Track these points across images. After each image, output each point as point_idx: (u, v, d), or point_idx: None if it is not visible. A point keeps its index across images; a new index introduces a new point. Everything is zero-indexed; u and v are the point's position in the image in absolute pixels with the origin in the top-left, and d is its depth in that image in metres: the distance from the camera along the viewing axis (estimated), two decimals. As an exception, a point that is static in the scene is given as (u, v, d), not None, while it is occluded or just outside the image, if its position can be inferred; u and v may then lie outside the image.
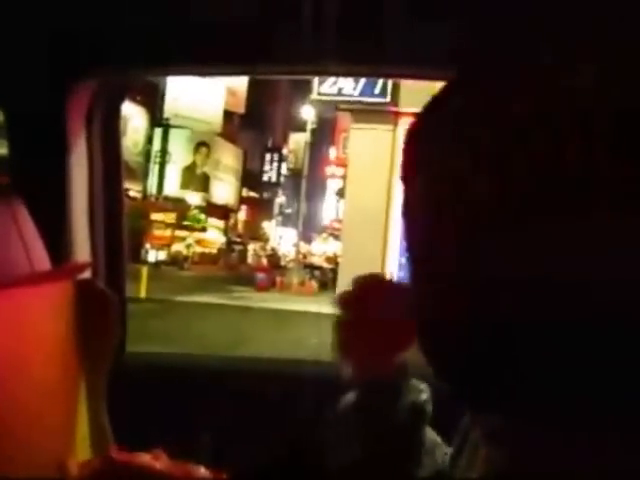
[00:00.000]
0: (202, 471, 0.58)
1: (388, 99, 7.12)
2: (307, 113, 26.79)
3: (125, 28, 1.04)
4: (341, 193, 22.57)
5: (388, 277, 0.66)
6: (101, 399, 0.69)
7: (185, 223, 29.19)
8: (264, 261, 30.01)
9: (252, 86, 27.01)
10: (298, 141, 36.11)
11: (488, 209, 0.35)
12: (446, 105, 0.40)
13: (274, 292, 19.20)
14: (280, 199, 42.29)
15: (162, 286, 14.63)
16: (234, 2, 1.01)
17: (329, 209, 35.58)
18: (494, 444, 0.42)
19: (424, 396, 0.66)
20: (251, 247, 36.55)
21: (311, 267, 25.42)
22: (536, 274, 0.34)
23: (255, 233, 37.79)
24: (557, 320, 0.34)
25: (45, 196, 1.02)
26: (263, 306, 13.55)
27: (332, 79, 7.25)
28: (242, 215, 36.94)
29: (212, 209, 31.06)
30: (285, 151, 38.38)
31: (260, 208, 38.99)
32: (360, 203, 7.10)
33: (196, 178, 29.37)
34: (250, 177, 35.06)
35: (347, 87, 7.28)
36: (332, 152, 26.63)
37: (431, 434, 0.68)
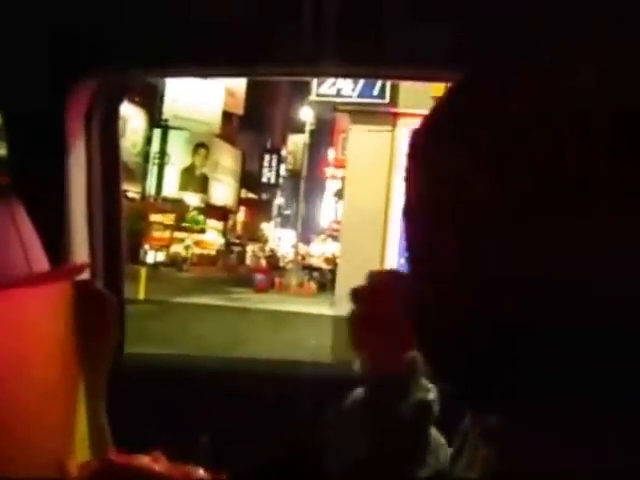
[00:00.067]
0: (201, 473, 0.58)
1: (387, 100, 7.12)
2: (306, 114, 26.82)
3: (125, 28, 1.04)
4: (340, 194, 22.59)
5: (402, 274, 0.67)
6: (100, 400, 0.69)
7: (184, 224, 29.18)
8: (263, 262, 30.01)
9: (251, 87, 27.04)
10: (297, 142, 36.14)
11: (488, 209, 0.35)
12: (448, 106, 0.41)
13: (273, 293, 19.21)
14: (279, 200, 42.30)
15: (161, 287, 14.63)
16: (234, 3, 1.01)
17: (328, 210, 35.59)
18: (493, 444, 0.42)
19: (431, 395, 0.66)
20: (250, 248, 36.55)
21: (310, 268, 25.44)
22: (536, 274, 0.34)
23: (254, 234, 37.78)
24: (557, 320, 0.34)
25: (44, 197, 1.02)
26: (262, 307, 13.55)
27: (331, 80, 7.24)
28: (241, 216, 36.94)
29: (211, 210, 31.06)
30: (284, 152, 38.41)
31: (259, 209, 39.00)
32: (359, 204, 7.10)
33: (195, 179, 29.37)
34: (249, 178, 35.07)
35: (346, 88, 7.28)
36: (331, 153, 26.63)
37: (436, 434, 0.68)
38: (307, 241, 41.22)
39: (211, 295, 15.26)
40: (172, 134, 27.52)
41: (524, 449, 0.38)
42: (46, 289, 0.61)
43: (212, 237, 32.39)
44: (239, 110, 28.58)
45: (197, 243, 30.37)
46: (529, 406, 0.36)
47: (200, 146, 29.13)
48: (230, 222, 34.90)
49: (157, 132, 27.26)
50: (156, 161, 27.38)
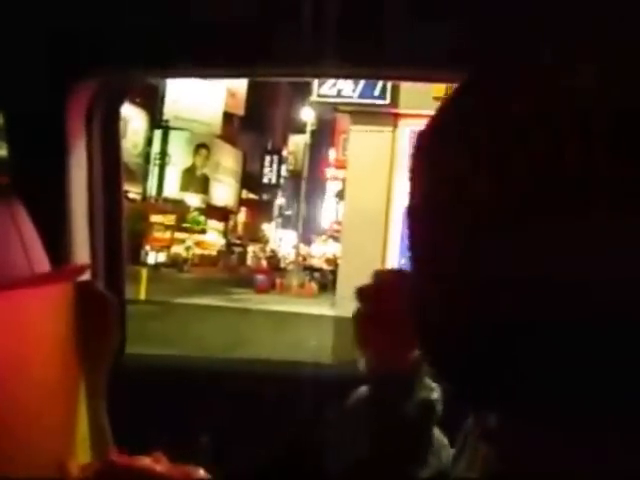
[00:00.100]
0: (202, 473, 0.58)
1: (387, 101, 7.11)
2: (307, 115, 26.82)
3: (125, 29, 1.04)
4: (341, 195, 22.58)
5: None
6: (101, 400, 0.69)
7: (185, 225, 29.17)
8: (264, 263, 30.02)
9: (252, 88, 27.03)
10: (298, 143, 36.13)
11: (489, 209, 0.35)
12: (453, 107, 0.41)
13: (274, 294, 19.20)
14: (280, 201, 42.29)
15: (161, 288, 14.63)
16: (235, 3, 1.01)
17: (329, 211, 35.60)
18: (494, 444, 0.42)
19: (435, 394, 0.67)
20: (251, 249, 36.54)
21: (311, 269, 25.44)
22: (536, 274, 0.34)
23: (255, 235, 37.78)
24: (557, 320, 0.34)
25: (45, 197, 1.02)
26: (263, 308, 13.55)
27: (332, 81, 7.24)
28: (242, 217, 36.93)
29: (212, 211, 31.05)
30: (285, 153, 38.39)
31: (260, 210, 39.00)
32: (360, 205, 7.09)
33: (196, 180, 29.36)
34: (250, 179, 35.06)
35: (346, 89, 7.28)
36: (332, 154, 26.64)
37: (439, 434, 0.68)
38: (308, 242, 41.22)
39: (212, 296, 15.26)
40: (173, 135, 27.52)
41: (524, 449, 0.38)
42: (47, 290, 0.61)
43: (213, 238, 32.38)
44: (240, 111, 28.58)
45: (198, 244, 30.36)
46: (530, 406, 0.36)
47: (201, 147, 29.13)
48: (231, 223, 34.89)
49: (158, 133, 27.26)
50: (157, 162, 27.38)
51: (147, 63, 1.13)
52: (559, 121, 0.34)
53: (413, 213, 0.42)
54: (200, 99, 25.41)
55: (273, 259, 33.00)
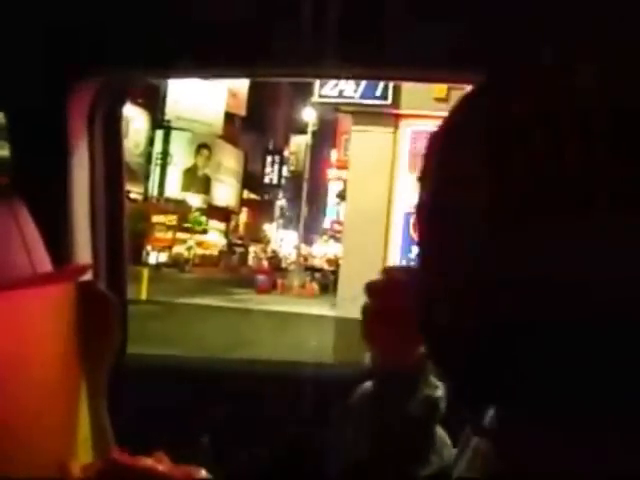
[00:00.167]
0: (203, 473, 0.58)
1: (389, 101, 7.11)
2: (308, 115, 26.81)
3: (126, 29, 1.04)
4: (342, 195, 22.55)
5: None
6: (102, 400, 0.69)
7: (186, 225, 29.17)
8: (265, 263, 30.00)
9: (253, 88, 27.03)
10: (299, 143, 36.14)
11: (492, 210, 0.35)
12: (461, 109, 0.41)
13: (275, 294, 19.19)
14: (281, 201, 42.29)
15: (163, 288, 14.63)
16: (236, 4, 1.02)
17: (330, 211, 35.59)
18: (494, 444, 0.42)
19: (439, 392, 0.67)
20: (252, 249, 36.53)
21: (312, 269, 25.42)
22: (537, 274, 0.34)
23: (256, 235, 37.77)
24: (559, 320, 0.34)
25: (46, 197, 1.02)
26: (264, 308, 13.54)
27: (333, 81, 7.24)
28: (243, 217, 36.94)
29: (213, 211, 31.06)
30: (286, 153, 38.40)
31: (261, 210, 39.00)
32: (361, 205, 7.09)
33: (197, 180, 29.37)
34: (251, 179, 35.06)
35: (348, 89, 7.27)
36: (333, 154, 26.62)
37: (441, 433, 0.68)
38: (309, 242, 41.22)
39: (213, 296, 15.26)
40: (174, 135, 27.53)
41: (524, 449, 0.38)
42: (49, 290, 0.61)
43: (214, 238, 32.38)
44: (241, 111, 28.58)
45: (199, 244, 30.37)
46: (533, 406, 0.36)
47: (202, 147, 29.13)
48: (232, 223, 34.89)
49: (159, 133, 27.27)
50: (158, 162, 27.39)
51: (148, 63, 1.13)
52: (559, 121, 0.34)
53: (422, 212, 0.42)
54: (202, 99, 25.42)
55: (274, 259, 32.98)
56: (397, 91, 6.97)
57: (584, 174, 0.33)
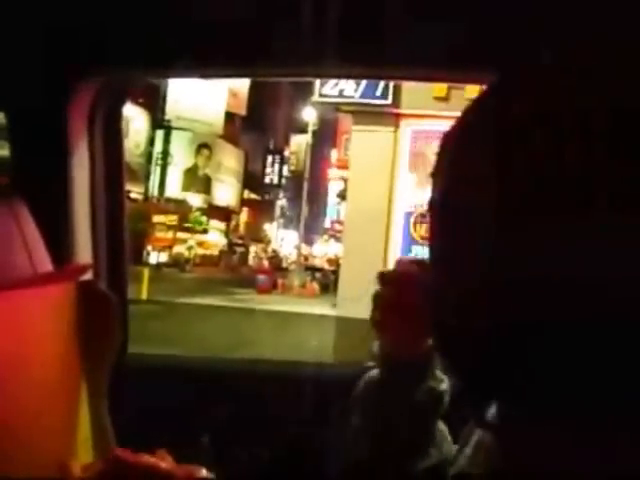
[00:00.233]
0: (204, 472, 0.58)
1: (389, 101, 7.11)
2: (308, 115, 26.80)
3: (126, 28, 1.04)
4: (342, 195, 22.55)
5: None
6: (102, 400, 0.69)
7: (187, 225, 29.17)
8: (265, 263, 29.98)
9: (253, 88, 27.02)
10: (299, 143, 36.13)
11: (501, 210, 0.35)
12: (472, 109, 0.41)
13: (275, 294, 19.19)
14: (281, 201, 42.29)
15: (163, 288, 14.64)
16: (235, 3, 1.02)
17: (331, 211, 35.60)
18: (497, 441, 0.42)
19: (443, 386, 0.67)
20: (252, 249, 36.53)
21: (312, 269, 25.42)
22: (538, 274, 0.34)
23: (256, 235, 37.78)
24: (570, 320, 0.34)
25: (47, 197, 1.02)
26: (264, 308, 13.54)
27: (333, 81, 7.24)
28: (243, 217, 36.94)
29: (213, 211, 31.06)
30: (287, 153, 38.40)
31: (261, 210, 39.00)
32: (361, 205, 7.09)
33: (198, 180, 29.38)
34: (251, 179, 35.07)
35: (348, 89, 7.28)
36: (334, 154, 26.61)
37: (442, 428, 0.69)
38: (310, 242, 41.23)
39: (214, 296, 15.26)
40: (175, 135, 27.54)
41: (527, 447, 0.38)
42: (49, 289, 0.61)
43: (215, 238, 32.39)
44: (242, 111, 28.58)
45: (200, 244, 30.37)
46: (541, 405, 0.36)
47: (203, 147, 29.14)
48: (233, 223, 34.90)
49: (160, 133, 27.28)
50: (159, 162, 27.39)
51: (148, 63, 1.13)
52: (559, 121, 0.34)
53: (433, 211, 0.42)
54: (202, 99, 25.42)
55: (275, 259, 32.98)
56: (397, 91, 6.97)
57: (584, 174, 0.33)
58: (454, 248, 0.39)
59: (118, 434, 0.71)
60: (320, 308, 13.16)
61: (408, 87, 6.75)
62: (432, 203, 0.42)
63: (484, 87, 0.42)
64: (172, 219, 28.04)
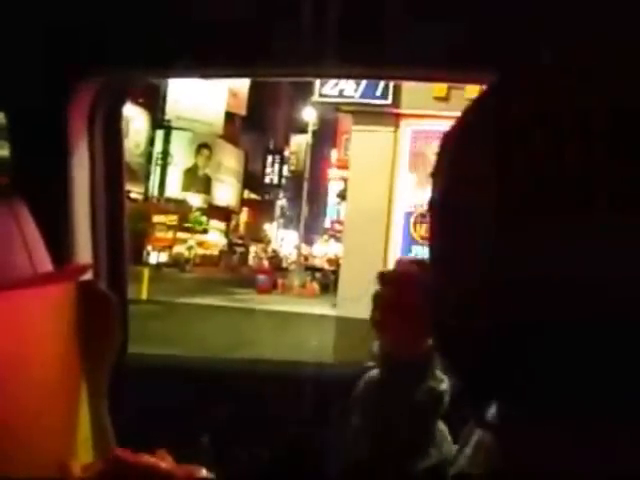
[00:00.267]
0: (204, 472, 0.58)
1: (389, 101, 7.11)
2: (308, 115, 26.80)
3: (126, 28, 1.05)
4: (342, 195, 22.55)
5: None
6: (102, 400, 0.69)
7: (187, 225, 29.17)
8: (265, 263, 29.98)
9: (253, 88, 27.02)
10: (299, 143, 36.13)
11: (501, 210, 0.35)
12: (472, 109, 0.41)
13: (275, 294, 19.19)
14: (281, 201, 42.29)
15: (163, 288, 14.64)
16: (235, 3, 1.02)
17: (331, 211, 35.60)
18: (497, 441, 0.42)
19: (443, 386, 0.68)
20: (252, 249, 36.53)
21: (312, 269, 25.43)
22: (538, 274, 0.34)
23: (256, 235, 37.78)
24: (571, 320, 0.34)
25: (47, 197, 1.02)
26: (264, 308, 13.54)
27: (333, 81, 7.24)
28: (243, 217, 36.95)
29: (213, 211, 31.07)
30: (287, 153, 38.41)
31: (261, 210, 39.01)
32: (362, 205, 7.09)
33: (198, 180, 29.38)
34: (251, 179, 35.07)
35: (348, 89, 7.28)
36: (334, 154, 26.61)
37: (442, 428, 0.69)
38: (310, 242, 41.24)
39: (214, 296, 15.26)
40: (175, 135, 27.54)
41: (527, 447, 0.38)
42: (49, 289, 0.61)
43: (215, 238, 32.40)
44: (242, 111, 28.58)
45: (200, 244, 30.38)
46: (541, 405, 0.36)
47: (203, 147, 29.15)
48: (233, 223, 34.90)
49: (160, 133, 27.28)
50: (159, 162, 27.39)
51: (148, 63, 1.13)
52: (559, 121, 0.34)
53: (433, 211, 0.42)
54: (202, 99, 25.42)
55: (275, 259, 32.98)
56: (397, 90, 6.97)
57: (584, 174, 0.33)
58: (454, 248, 0.39)
59: (118, 434, 0.71)
60: (320, 308, 13.16)
61: (408, 87, 6.75)
62: (432, 203, 0.42)
63: (484, 87, 0.41)
64: (172, 219, 28.04)
